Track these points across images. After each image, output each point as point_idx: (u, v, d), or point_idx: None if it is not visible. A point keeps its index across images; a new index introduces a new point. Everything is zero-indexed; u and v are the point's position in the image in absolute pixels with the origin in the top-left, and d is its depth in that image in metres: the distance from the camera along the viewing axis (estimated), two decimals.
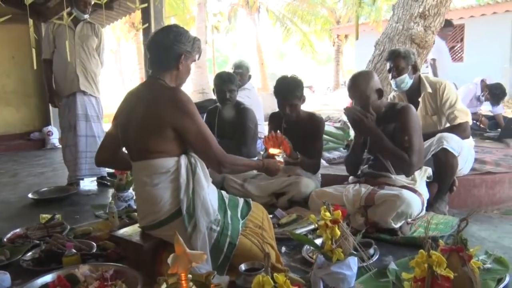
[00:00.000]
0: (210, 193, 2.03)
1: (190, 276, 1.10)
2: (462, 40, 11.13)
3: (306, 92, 3.30)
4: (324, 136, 4.59)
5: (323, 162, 4.03)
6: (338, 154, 4.22)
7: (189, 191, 1.98)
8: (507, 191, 3.42)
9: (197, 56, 2.17)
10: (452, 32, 11.31)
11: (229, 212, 2.09)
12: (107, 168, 4.23)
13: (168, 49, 2.04)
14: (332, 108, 13.28)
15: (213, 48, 20.18)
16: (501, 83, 5.58)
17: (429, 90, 3.17)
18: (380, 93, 2.64)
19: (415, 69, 3.18)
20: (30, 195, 3.89)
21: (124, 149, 2.25)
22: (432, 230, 2.49)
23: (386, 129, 2.61)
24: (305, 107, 3.31)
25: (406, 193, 2.38)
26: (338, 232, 1.70)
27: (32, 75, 7.51)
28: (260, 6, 19.19)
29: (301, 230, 2.50)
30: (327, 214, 1.72)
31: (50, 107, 7.58)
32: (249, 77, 4.56)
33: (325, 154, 4.22)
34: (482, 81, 5.63)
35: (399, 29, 5.03)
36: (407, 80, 3.14)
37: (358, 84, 2.65)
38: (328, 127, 4.84)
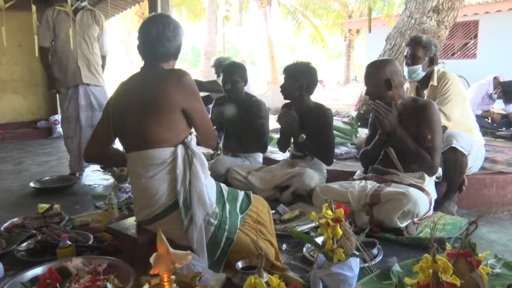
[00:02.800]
0: (207, 185, 1.97)
1: (173, 277, 1.03)
2: (476, 36, 10.88)
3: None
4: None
5: None
6: (345, 150, 4.13)
7: (186, 182, 1.93)
8: None
9: None
10: (466, 29, 11.12)
11: (227, 206, 2.03)
12: None
13: (170, 41, 2.03)
14: (341, 103, 13.17)
15: (223, 40, 20.06)
16: None
17: (435, 83, 3.05)
18: (388, 84, 2.51)
19: (432, 62, 3.05)
20: (31, 184, 3.85)
21: (117, 142, 2.19)
22: (439, 231, 2.40)
23: (404, 124, 2.52)
24: (317, 99, 3.30)
25: (413, 191, 2.29)
26: (340, 231, 1.62)
27: (39, 63, 7.42)
28: None
29: (303, 227, 2.42)
30: (329, 212, 1.64)
31: (58, 96, 7.56)
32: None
33: None
34: (495, 78, 5.47)
35: (411, 23, 4.92)
36: (419, 71, 3.02)
37: (367, 72, 2.60)
38: (336, 121, 4.74)
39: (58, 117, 7.38)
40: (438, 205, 2.83)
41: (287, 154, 3.56)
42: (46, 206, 2.93)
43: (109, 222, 2.60)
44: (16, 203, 3.50)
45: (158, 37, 2.00)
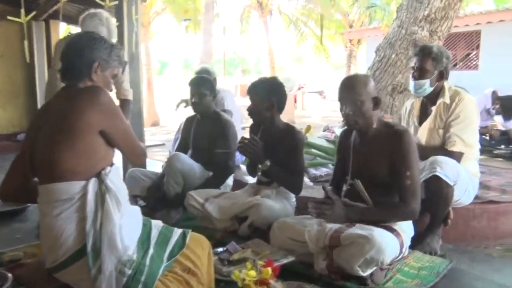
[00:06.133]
0: (122, 227, 1.65)
1: None
2: (478, 47, 10.49)
3: (316, 97, 2.95)
4: (313, 150, 4.19)
5: (306, 180, 3.61)
6: (325, 171, 3.79)
7: (96, 223, 1.64)
8: None
9: (119, 70, 1.93)
10: (468, 39, 10.76)
11: (150, 252, 1.71)
12: None
13: (79, 55, 1.79)
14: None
15: (224, 49, 19.85)
16: None
17: (447, 100, 2.69)
18: (376, 102, 2.19)
19: (442, 76, 2.71)
20: None
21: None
22: (413, 277, 2.05)
23: (375, 153, 2.19)
24: (316, 111, 2.95)
25: (378, 234, 1.91)
26: None
27: (20, 74, 7.27)
28: (272, 8, 18.74)
29: None
30: (252, 273, 1.31)
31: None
32: (214, 80, 4.20)
33: (311, 171, 3.81)
34: (493, 92, 5.12)
35: (402, 33, 4.57)
36: (426, 86, 2.69)
37: (353, 86, 2.20)
38: (319, 139, 4.43)
39: None
40: (420, 240, 2.49)
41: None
42: None
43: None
44: None
45: (65, 57, 1.81)
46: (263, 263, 1.36)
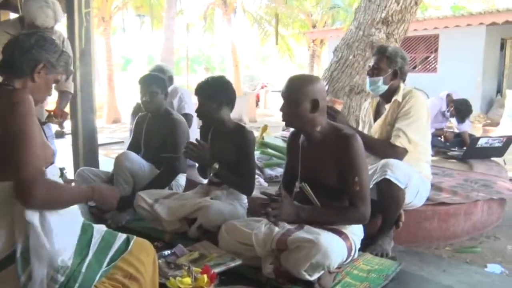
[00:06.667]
0: (54, 231, 1.54)
1: None
2: (436, 50, 10.81)
3: (279, 96, 2.85)
4: (269, 150, 4.14)
5: (261, 181, 3.57)
6: (280, 171, 3.73)
7: (27, 227, 1.51)
8: (462, 224, 3.00)
9: (62, 76, 1.81)
10: (427, 42, 11.05)
11: (89, 257, 1.60)
12: None
13: (25, 52, 1.67)
14: None
15: (187, 47, 19.64)
16: (467, 99, 5.17)
17: (400, 99, 2.70)
18: (315, 104, 2.10)
19: (396, 75, 2.71)
20: None
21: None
22: (362, 280, 2.02)
23: (322, 157, 2.14)
24: (279, 110, 2.88)
25: (325, 238, 1.86)
26: None
27: None
28: (236, 6, 18.65)
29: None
30: (186, 280, 1.23)
31: None
32: (170, 78, 4.08)
33: (267, 171, 3.76)
34: (448, 95, 5.23)
35: (359, 35, 4.59)
36: (380, 84, 2.70)
37: (291, 85, 2.14)
38: (276, 139, 4.38)
39: None
40: (372, 242, 2.49)
41: None
42: None
43: None
44: None
45: (9, 50, 1.69)
46: (199, 270, 1.30)
